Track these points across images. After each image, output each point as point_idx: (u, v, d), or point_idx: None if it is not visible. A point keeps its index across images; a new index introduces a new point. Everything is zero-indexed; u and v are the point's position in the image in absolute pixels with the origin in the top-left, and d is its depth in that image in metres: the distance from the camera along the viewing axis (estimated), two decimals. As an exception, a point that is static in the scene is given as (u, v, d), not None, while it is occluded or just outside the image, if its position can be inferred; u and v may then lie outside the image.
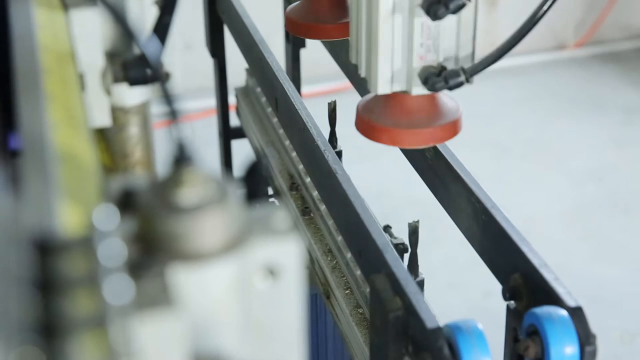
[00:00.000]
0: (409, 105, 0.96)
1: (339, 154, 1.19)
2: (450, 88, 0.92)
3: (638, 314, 2.21)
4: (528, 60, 3.37)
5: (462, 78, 0.92)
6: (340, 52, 1.32)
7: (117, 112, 0.73)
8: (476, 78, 0.93)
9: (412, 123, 0.95)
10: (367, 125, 0.97)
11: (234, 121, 1.63)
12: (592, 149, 2.92)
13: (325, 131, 1.13)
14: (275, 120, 1.32)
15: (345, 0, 1.21)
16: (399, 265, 0.83)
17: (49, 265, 0.38)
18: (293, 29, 1.23)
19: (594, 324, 0.76)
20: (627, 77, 3.33)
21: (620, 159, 2.87)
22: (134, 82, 0.70)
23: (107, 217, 0.41)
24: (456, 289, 2.25)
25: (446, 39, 0.92)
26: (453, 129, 0.97)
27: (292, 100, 1.16)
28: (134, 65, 0.70)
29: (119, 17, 0.59)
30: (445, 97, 0.98)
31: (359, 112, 0.99)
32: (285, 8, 1.29)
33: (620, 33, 3.57)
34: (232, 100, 1.59)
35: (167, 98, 0.45)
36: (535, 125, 3.02)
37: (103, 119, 0.72)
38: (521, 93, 3.22)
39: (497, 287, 0.86)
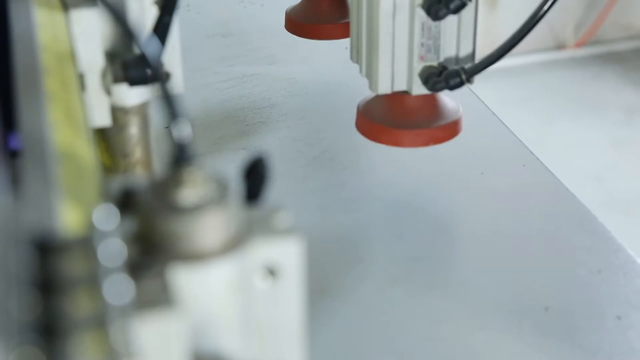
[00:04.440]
0: (409, 106, 0.97)
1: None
2: (451, 88, 0.92)
3: None
4: (528, 60, 3.37)
5: (463, 78, 0.92)
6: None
7: (117, 112, 0.73)
8: (476, 78, 0.93)
9: (413, 123, 0.96)
10: (367, 126, 0.98)
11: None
12: (592, 149, 2.92)
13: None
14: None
15: (346, 1, 1.22)
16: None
17: (48, 265, 0.38)
18: (293, 29, 1.23)
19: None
20: (627, 77, 3.32)
21: (620, 159, 2.87)
22: (134, 82, 0.70)
23: (107, 217, 0.41)
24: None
25: (447, 39, 0.92)
26: (454, 129, 0.97)
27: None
28: (134, 65, 0.70)
29: (119, 17, 0.58)
30: (446, 97, 0.99)
31: (359, 112, 1.00)
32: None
33: (620, 33, 3.56)
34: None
35: (167, 98, 0.45)
36: (535, 125, 3.02)
37: (103, 119, 0.72)
38: (521, 93, 3.22)
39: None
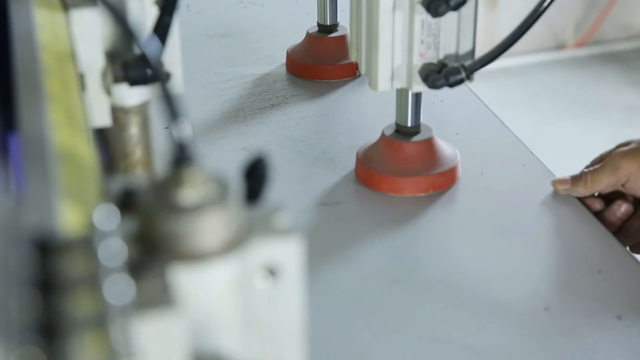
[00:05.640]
0: (408, 153, 0.98)
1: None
2: (451, 85, 0.92)
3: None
4: (528, 60, 3.37)
5: (463, 75, 0.92)
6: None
7: (117, 112, 0.73)
8: (476, 78, 0.93)
9: (412, 171, 0.97)
10: (366, 174, 0.99)
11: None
12: (592, 149, 2.91)
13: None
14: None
15: (346, 42, 1.23)
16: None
17: (49, 265, 0.38)
18: (293, 70, 1.25)
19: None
20: (627, 77, 3.32)
21: (620, 159, 2.86)
22: (134, 82, 0.70)
23: (108, 217, 0.41)
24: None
25: (446, 36, 0.92)
26: (452, 176, 0.99)
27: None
28: (134, 65, 0.70)
29: (119, 17, 0.58)
30: (444, 143, 1.00)
31: (359, 159, 1.01)
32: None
33: (620, 33, 3.56)
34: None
35: (168, 98, 0.45)
36: (535, 125, 3.02)
37: (103, 119, 0.72)
38: (521, 93, 3.22)
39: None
